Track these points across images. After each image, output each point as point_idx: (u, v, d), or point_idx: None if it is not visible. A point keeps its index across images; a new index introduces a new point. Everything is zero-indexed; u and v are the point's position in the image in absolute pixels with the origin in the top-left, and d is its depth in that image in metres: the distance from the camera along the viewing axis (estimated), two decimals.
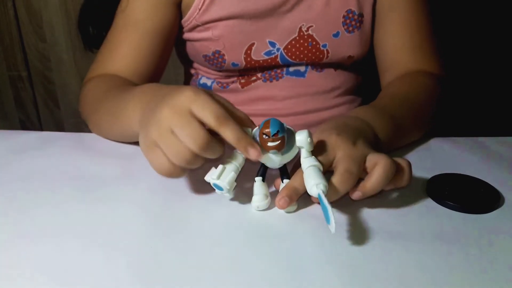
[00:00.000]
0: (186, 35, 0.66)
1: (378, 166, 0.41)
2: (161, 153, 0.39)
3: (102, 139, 0.58)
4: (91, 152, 0.54)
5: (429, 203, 0.44)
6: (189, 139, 0.37)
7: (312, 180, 0.38)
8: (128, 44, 0.63)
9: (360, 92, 0.75)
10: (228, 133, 0.38)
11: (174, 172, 0.40)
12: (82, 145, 0.56)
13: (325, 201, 0.36)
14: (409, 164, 0.43)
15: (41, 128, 1.52)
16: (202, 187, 0.45)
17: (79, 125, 1.51)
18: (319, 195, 0.37)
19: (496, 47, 1.23)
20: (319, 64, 0.69)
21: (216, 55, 0.65)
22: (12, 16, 1.37)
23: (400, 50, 0.66)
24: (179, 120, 0.38)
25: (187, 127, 0.37)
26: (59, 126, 1.51)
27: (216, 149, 0.39)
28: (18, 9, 1.36)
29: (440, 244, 0.37)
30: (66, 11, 1.34)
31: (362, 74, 0.76)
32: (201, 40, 0.65)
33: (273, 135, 0.38)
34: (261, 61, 0.66)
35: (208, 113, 0.38)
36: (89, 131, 0.61)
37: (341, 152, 0.42)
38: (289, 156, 0.41)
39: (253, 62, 0.66)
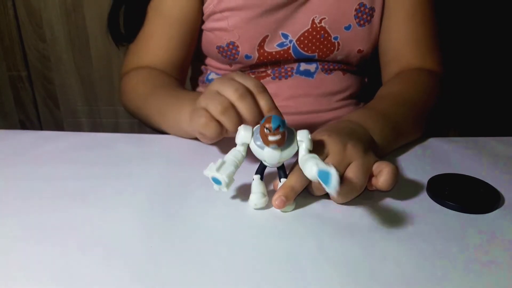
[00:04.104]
0: (204, 25, 0.68)
1: (352, 165, 0.43)
2: (204, 110, 0.45)
3: (101, 139, 0.58)
4: (91, 152, 0.54)
5: (429, 203, 0.44)
6: (230, 89, 0.44)
7: (309, 163, 0.37)
8: (159, 35, 0.67)
9: (364, 97, 0.76)
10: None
11: (212, 124, 0.44)
12: (81, 145, 0.56)
13: (325, 167, 0.35)
14: (393, 168, 0.43)
15: (40, 128, 1.52)
16: (200, 187, 0.45)
17: (79, 125, 1.51)
18: (319, 169, 0.36)
19: (496, 47, 1.23)
20: (329, 62, 0.69)
21: (230, 46, 0.66)
22: (12, 16, 1.37)
23: (403, 42, 0.67)
24: (223, 82, 0.45)
25: (231, 83, 0.45)
26: (58, 125, 1.52)
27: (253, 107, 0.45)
28: (18, 9, 1.36)
29: (440, 244, 0.37)
30: (66, 11, 1.34)
31: (368, 78, 0.76)
32: (216, 30, 0.66)
33: (274, 130, 0.38)
34: (274, 53, 0.66)
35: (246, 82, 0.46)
36: (89, 131, 0.61)
37: (332, 153, 0.43)
38: (287, 154, 0.41)
39: (266, 54, 0.66)
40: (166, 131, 0.60)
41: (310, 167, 0.37)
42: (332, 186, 0.34)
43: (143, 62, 0.68)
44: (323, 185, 0.34)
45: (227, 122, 0.44)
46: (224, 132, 0.46)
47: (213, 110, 0.44)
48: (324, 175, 0.35)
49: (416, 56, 0.67)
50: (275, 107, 0.46)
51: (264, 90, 0.46)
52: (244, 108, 0.44)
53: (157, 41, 0.67)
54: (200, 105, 0.46)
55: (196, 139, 0.55)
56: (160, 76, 0.65)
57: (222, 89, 0.45)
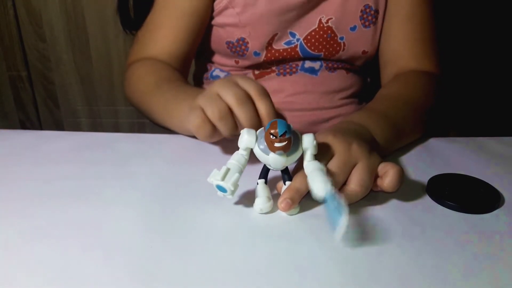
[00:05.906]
0: (214, 20, 0.68)
1: (357, 166, 0.43)
2: (201, 111, 0.45)
3: (101, 139, 0.58)
4: (91, 151, 0.54)
5: (429, 203, 0.44)
6: (230, 94, 0.43)
7: (317, 182, 0.37)
8: (167, 26, 0.67)
9: (366, 96, 0.76)
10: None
11: (206, 126, 0.44)
12: (81, 144, 0.56)
13: (334, 201, 0.35)
14: (399, 170, 0.43)
15: (40, 128, 1.52)
16: (203, 189, 0.45)
17: (79, 125, 1.51)
18: (326, 196, 0.36)
19: (496, 47, 1.23)
20: (334, 61, 0.70)
21: (240, 42, 0.67)
22: (12, 16, 1.37)
23: (401, 44, 0.68)
24: (224, 85, 0.45)
25: (232, 87, 0.44)
26: (58, 125, 1.52)
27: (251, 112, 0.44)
28: (18, 9, 1.36)
29: (440, 244, 0.37)
30: (66, 11, 1.34)
31: (370, 78, 0.77)
32: (227, 25, 0.67)
33: (280, 136, 0.37)
34: (281, 50, 0.67)
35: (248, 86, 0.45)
36: (88, 131, 0.61)
37: (337, 153, 0.43)
38: (293, 158, 0.40)
39: (273, 51, 0.67)
40: (170, 127, 0.59)
41: (317, 187, 0.37)
42: (337, 233, 0.33)
43: (148, 53, 0.68)
44: (328, 217, 0.35)
45: (223, 128, 0.44)
46: (218, 135, 0.46)
47: (210, 114, 0.44)
48: (333, 215, 0.35)
49: (413, 58, 0.68)
50: (275, 113, 0.45)
51: (265, 95, 0.45)
52: (242, 115, 0.43)
53: (165, 32, 0.67)
54: (198, 104, 0.45)
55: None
56: (165, 69, 0.65)
57: (223, 92, 0.44)
